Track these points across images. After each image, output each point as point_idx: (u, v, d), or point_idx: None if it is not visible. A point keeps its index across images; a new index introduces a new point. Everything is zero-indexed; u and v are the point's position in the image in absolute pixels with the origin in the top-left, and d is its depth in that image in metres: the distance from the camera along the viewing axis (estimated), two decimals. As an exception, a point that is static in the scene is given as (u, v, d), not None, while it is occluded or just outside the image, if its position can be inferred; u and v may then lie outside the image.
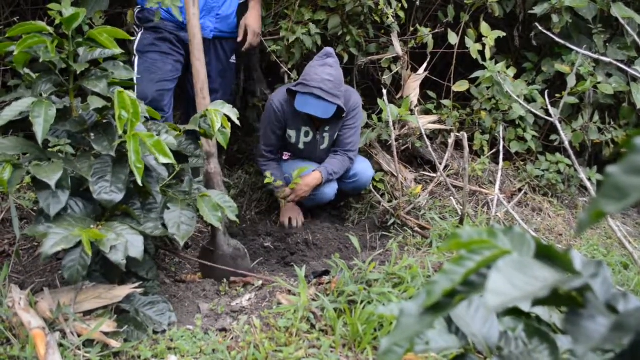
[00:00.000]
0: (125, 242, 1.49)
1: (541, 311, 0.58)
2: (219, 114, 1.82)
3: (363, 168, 2.84)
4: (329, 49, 2.65)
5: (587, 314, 0.43)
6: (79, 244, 1.42)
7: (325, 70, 2.54)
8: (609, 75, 3.34)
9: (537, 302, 0.42)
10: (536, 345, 0.51)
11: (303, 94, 2.52)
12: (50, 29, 1.54)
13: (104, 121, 1.71)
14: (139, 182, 1.48)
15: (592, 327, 0.42)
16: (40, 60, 1.54)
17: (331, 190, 2.78)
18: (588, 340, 0.40)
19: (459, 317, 0.55)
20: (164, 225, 1.68)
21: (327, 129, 2.74)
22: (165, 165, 1.65)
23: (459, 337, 0.55)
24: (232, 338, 1.62)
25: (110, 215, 1.65)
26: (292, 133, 2.77)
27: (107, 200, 1.54)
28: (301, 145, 2.79)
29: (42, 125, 1.47)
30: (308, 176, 2.65)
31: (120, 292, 1.63)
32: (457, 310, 0.56)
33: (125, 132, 1.52)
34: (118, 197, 1.55)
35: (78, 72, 1.60)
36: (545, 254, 0.44)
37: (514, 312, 0.55)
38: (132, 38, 1.69)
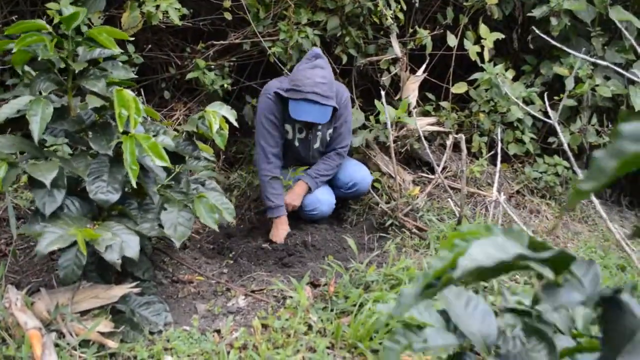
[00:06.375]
0: (120, 242, 1.48)
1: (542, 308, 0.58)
2: (217, 115, 1.81)
3: (362, 176, 2.79)
4: (317, 50, 2.56)
5: (565, 290, 0.47)
6: (75, 243, 1.41)
7: (316, 72, 2.42)
8: (607, 78, 3.35)
9: (504, 267, 0.46)
10: (534, 344, 0.51)
11: (296, 100, 2.39)
12: (49, 28, 1.53)
13: (102, 121, 1.70)
14: (133, 184, 1.47)
15: (567, 298, 0.45)
16: (39, 58, 1.53)
17: (328, 207, 2.73)
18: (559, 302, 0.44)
19: (457, 315, 0.55)
20: (161, 226, 1.67)
21: (319, 127, 2.65)
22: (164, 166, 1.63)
23: (457, 335, 0.55)
24: (229, 339, 1.62)
25: (106, 216, 1.64)
26: (289, 127, 2.64)
27: (103, 200, 1.53)
28: (296, 142, 2.69)
29: (39, 124, 1.46)
30: (295, 186, 2.66)
31: (117, 291, 1.63)
32: (455, 308, 0.57)
33: (125, 132, 1.51)
34: (114, 197, 1.54)
35: (77, 72, 1.60)
36: (538, 248, 0.46)
37: (514, 310, 0.55)
38: (130, 38, 1.68)
